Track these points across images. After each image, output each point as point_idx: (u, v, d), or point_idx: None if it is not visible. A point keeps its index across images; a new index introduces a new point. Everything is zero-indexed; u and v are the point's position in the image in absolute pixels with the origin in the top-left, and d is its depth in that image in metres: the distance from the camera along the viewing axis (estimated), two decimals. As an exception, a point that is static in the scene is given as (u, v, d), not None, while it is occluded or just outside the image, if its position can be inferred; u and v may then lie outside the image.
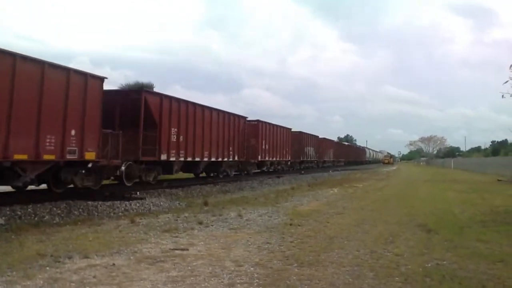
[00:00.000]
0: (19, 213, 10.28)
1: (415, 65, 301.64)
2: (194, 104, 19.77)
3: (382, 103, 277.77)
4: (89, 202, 12.17)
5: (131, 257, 6.62)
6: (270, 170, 33.24)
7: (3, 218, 9.74)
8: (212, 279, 5.56)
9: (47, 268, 5.88)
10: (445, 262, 6.66)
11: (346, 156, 68.75)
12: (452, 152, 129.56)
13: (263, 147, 30.06)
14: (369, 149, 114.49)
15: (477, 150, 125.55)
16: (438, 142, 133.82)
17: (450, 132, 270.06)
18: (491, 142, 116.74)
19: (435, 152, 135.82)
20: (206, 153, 21.08)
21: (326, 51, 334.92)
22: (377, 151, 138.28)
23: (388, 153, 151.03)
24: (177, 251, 7.08)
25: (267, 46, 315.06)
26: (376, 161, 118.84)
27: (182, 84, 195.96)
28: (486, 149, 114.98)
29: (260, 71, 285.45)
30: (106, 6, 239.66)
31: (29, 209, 10.65)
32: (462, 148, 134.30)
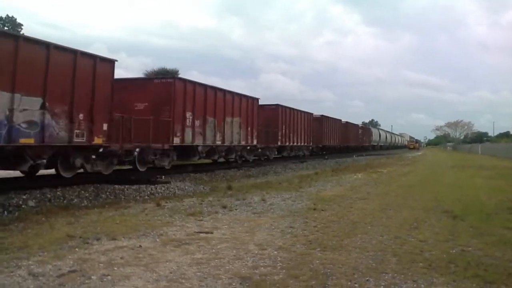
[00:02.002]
0: (48, 196, 10.58)
1: (434, 48, 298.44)
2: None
3: (403, 87, 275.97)
4: (116, 186, 12.44)
5: (157, 240, 6.76)
6: (291, 155, 32.80)
7: (34, 200, 10.05)
8: (236, 261, 5.64)
9: (77, 249, 6.06)
10: (470, 248, 6.58)
11: (315, 137, 37.75)
12: (480, 137, 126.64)
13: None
14: (379, 129, 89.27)
15: (505, 135, 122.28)
16: (465, 127, 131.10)
17: (475, 117, 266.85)
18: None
19: (462, 137, 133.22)
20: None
21: (347, 35, 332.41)
22: (395, 134, 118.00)
23: (410, 137, 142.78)
24: (201, 234, 7.19)
25: (288, 31, 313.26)
26: (394, 146, 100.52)
27: (200, 69, 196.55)
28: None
29: (279, 56, 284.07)
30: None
31: (58, 192, 10.95)
32: (490, 133, 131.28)
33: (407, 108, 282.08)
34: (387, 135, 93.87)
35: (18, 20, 56.22)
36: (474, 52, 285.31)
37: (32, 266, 5.22)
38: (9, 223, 7.86)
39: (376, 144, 76.88)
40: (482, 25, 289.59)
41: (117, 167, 15.02)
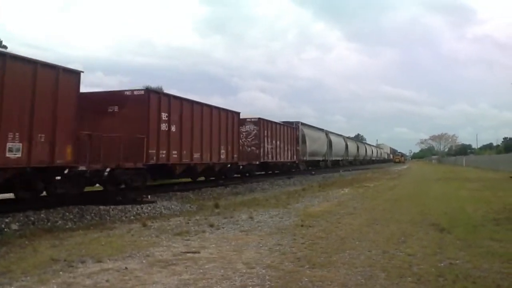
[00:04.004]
0: (32, 218, 10.37)
1: (411, 63, 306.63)
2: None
3: (383, 103, 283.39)
4: (101, 207, 12.24)
5: (143, 261, 6.65)
6: (276, 172, 32.10)
7: (17, 224, 9.84)
8: (224, 281, 5.57)
9: (61, 272, 5.92)
10: (458, 261, 6.60)
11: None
12: (464, 150, 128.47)
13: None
14: (330, 133, 50.97)
15: (489, 147, 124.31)
16: (449, 140, 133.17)
17: (456, 130, 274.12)
18: (503, 138, 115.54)
19: (446, 150, 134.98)
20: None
21: (329, 51, 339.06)
22: (370, 145, 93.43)
23: (392, 149, 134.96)
24: (188, 254, 7.10)
25: (269, 49, 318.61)
26: (367, 161, 78.27)
27: (179, 87, 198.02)
28: (498, 146, 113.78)
29: (260, 73, 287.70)
30: (97, 11, 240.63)
31: (42, 215, 10.74)
32: (474, 146, 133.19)
33: (389, 122, 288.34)
34: (350, 144, 62.81)
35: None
36: (448, 66, 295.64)
37: (14, 292, 5.09)
38: (-9, 248, 7.68)
39: (322, 159, 45.64)
40: (452, 40, 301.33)
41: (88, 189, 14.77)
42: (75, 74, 11.92)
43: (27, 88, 10.54)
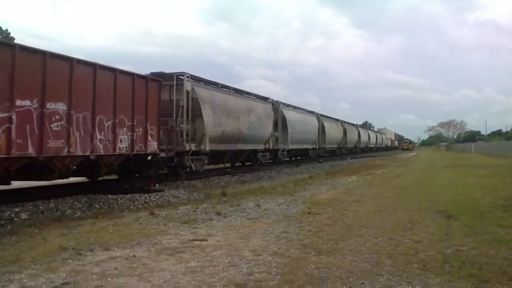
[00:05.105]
0: (41, 208, 10.48)
1: (416, 50, 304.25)
2: None
3: (388, 89, 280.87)
4: (109, 196, 12.35)
5: (151, 249, 6.72)
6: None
7: (26, 213, 9.95)
8: (230, 268, 5.61)
9: (70, 261, 6.00)
10: (465, 248, 6.60)
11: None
12: (473, 136, 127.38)
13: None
14: (276, 104, 28.72)
15: (498, 133, 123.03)
16: (458, 126, 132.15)
17: (463, 116, 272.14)
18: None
19: (455, 137, 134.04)
20: None
21: (336, 38, 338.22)
22: (366, 129, 75.63)
23: (397, 135, 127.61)
24: (196, 242, 7.15)
25: (273, 37, 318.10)
26: (362, 150, 62.98)
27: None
28: (507, 132, 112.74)
29: (263, 61, 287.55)
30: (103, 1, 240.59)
31: (51, 204, 10.85)
32: (483, 132, 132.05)
33: (395, 109, 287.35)
34: (330, 126, 43.76)
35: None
36: (452, 52, 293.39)
37: (24, 280, 5.17)
38: (1, 237, 7.77)
39: (263, 148, 26.47)
40: (454, 26, 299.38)
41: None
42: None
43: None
